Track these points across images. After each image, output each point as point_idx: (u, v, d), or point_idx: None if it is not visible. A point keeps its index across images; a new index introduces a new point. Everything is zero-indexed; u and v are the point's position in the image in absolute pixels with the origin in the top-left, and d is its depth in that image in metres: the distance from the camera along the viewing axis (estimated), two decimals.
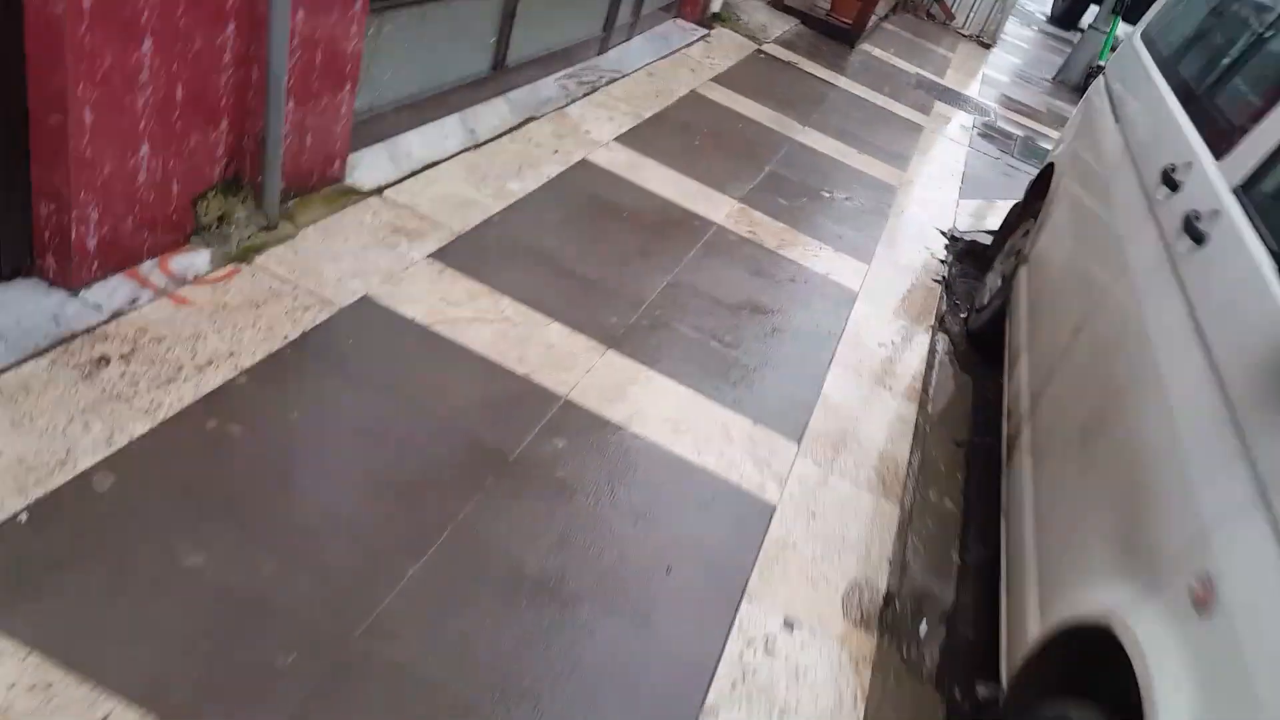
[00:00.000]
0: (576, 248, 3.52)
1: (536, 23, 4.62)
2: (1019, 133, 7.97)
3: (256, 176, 2.81)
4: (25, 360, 2.08)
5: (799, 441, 2.96)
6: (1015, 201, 4.55)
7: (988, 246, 4.83)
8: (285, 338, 2.47)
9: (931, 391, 3.60)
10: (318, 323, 2.58)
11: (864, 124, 6.31)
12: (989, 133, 7.53)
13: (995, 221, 5.05)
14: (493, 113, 4.29)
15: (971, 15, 11.19)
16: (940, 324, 4.14)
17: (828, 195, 4.96)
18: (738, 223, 4.23)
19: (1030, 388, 2.87)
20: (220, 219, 2.70)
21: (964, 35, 11.11)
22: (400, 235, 3.14)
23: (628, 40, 5.86)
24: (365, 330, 2.65)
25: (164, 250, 2.56)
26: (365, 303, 2.75)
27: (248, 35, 2.58)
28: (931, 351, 3.88)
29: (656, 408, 2.83)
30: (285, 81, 2.69)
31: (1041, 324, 3.07)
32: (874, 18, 8.42)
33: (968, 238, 5.13)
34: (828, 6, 8.26)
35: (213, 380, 2.24)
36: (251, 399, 2.25)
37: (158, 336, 2.30)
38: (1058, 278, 3.13)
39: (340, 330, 2.60)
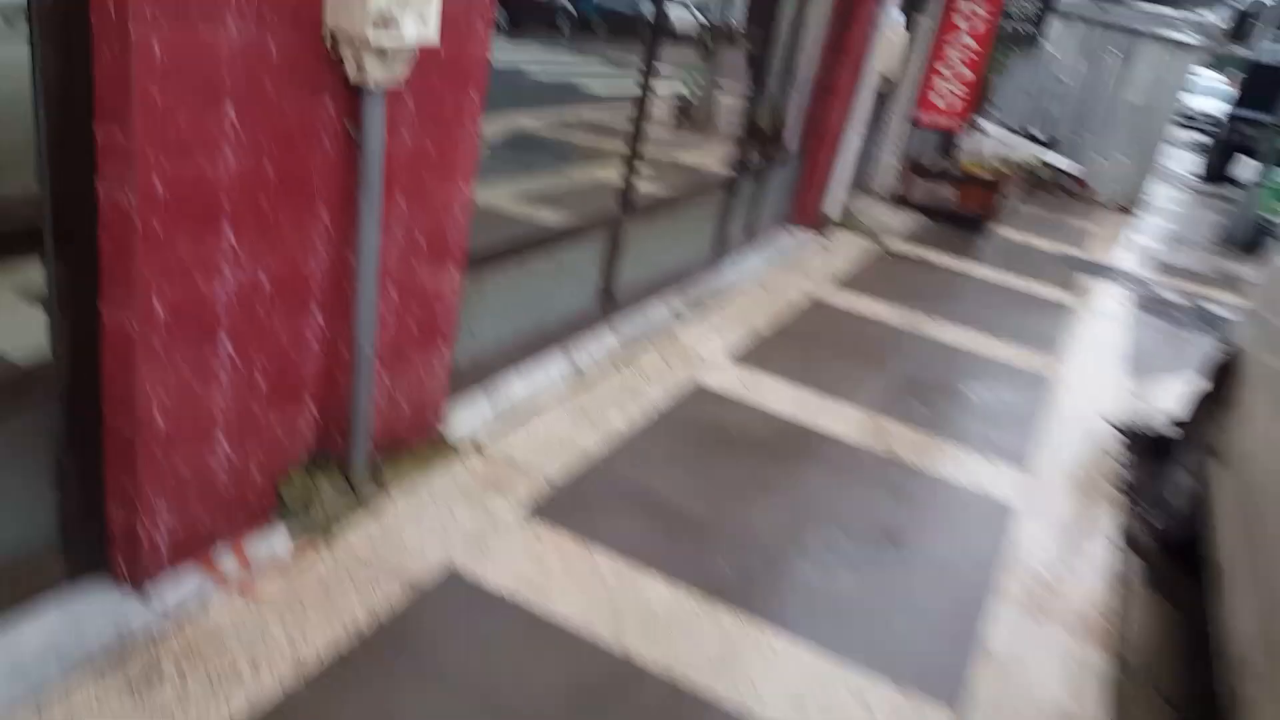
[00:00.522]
0: (685, 486, 3.25)
1: (643, 253, 4.64)
2: (1186, 301, 7.29)
3: (344, 449, 2.75)
4: (76, 675, 1.97)
5: (956, 708, 2.43)
6: (1201, 383, 3.97)
7: (1174, 439, 4.20)
8: (357, 632, 2.27)
9: (1121, 628, 2.97)
10: (394, 610, 2.38)
11: (1003, 310, 5.91)
12: (1151, 304, 6.92)
13: (1177, 406, 4.44)
14: (598, 344, 4.23)
15: (1109, 184, 10.76)
16: (1125, 539, 3.53)
17: (970, 394, 4.53)
18: (868, 436, 3.87)
19: (1259, 622, 2.27)
20: (303, 497, 2.62)
21: (1104, 205, 10.65)
22: (493, 490, 2.98)
23: (742, 255, 5.83)
24: (445, 611, 2.43)
25: (241, 533, 2.48)
26: (448, 578, 2.54)
27: (334, 317, 2.59)
28: (1117, 575, 3.27)
29: (777, 678, 2.41)
30: (374, 358, 2.67)
31: (1263, 540, 2.48)
32: (1006, 201, 8.18)
33: (1146, 429, 4.51)
34: (954, 198, 8.10)
35: (271, 691, 2.05)
36: (311, 716, 2.02)
37: (219, 639, 2.16)
38: (1271, 481, 2.57)
39: (418, 616, 2.39)
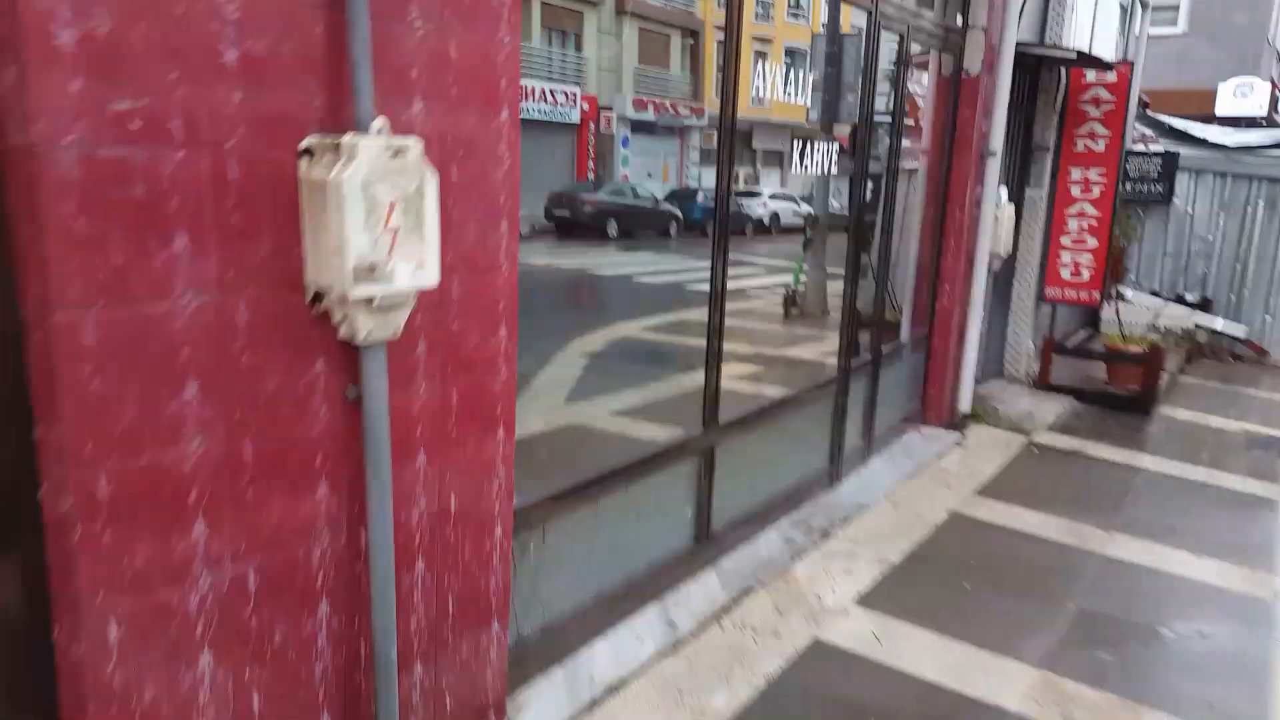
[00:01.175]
0: None
1: (743, 473, 4.08)
2: None
3: None
4: None
5: None
6: None
7: None
8: None
9: None
10: None
11: (1190, 513, 4.92)
12: None
13: None
14: (699, 592, 3.59)
15: None
16: None
17: (1170, 634, 3.59)
18: (1041, 705, 3.00)
19: None
20: None
21: None
22: None
23: (863, 464, 5.15)
24: None
25: None
26: None
27: (347, 610, 2.14)
28: None
29: None
30: (394, 658, 2.17)
31: None
32: (1165, 375, 7.23)
33: None
34: (1105, 376, 7.23)
35: None
36: None
37: None
38: None
39: None
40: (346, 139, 1.86)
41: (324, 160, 1.89)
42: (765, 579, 3.78)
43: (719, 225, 3.57)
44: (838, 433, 4.80)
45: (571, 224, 21.92)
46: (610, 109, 27.63)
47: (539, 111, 25.93)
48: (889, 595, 3.70)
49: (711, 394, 3.74)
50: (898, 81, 4.81)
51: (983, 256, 5.83)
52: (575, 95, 27.19)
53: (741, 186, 26.63)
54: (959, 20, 5.43)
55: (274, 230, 1.88)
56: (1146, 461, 5.71)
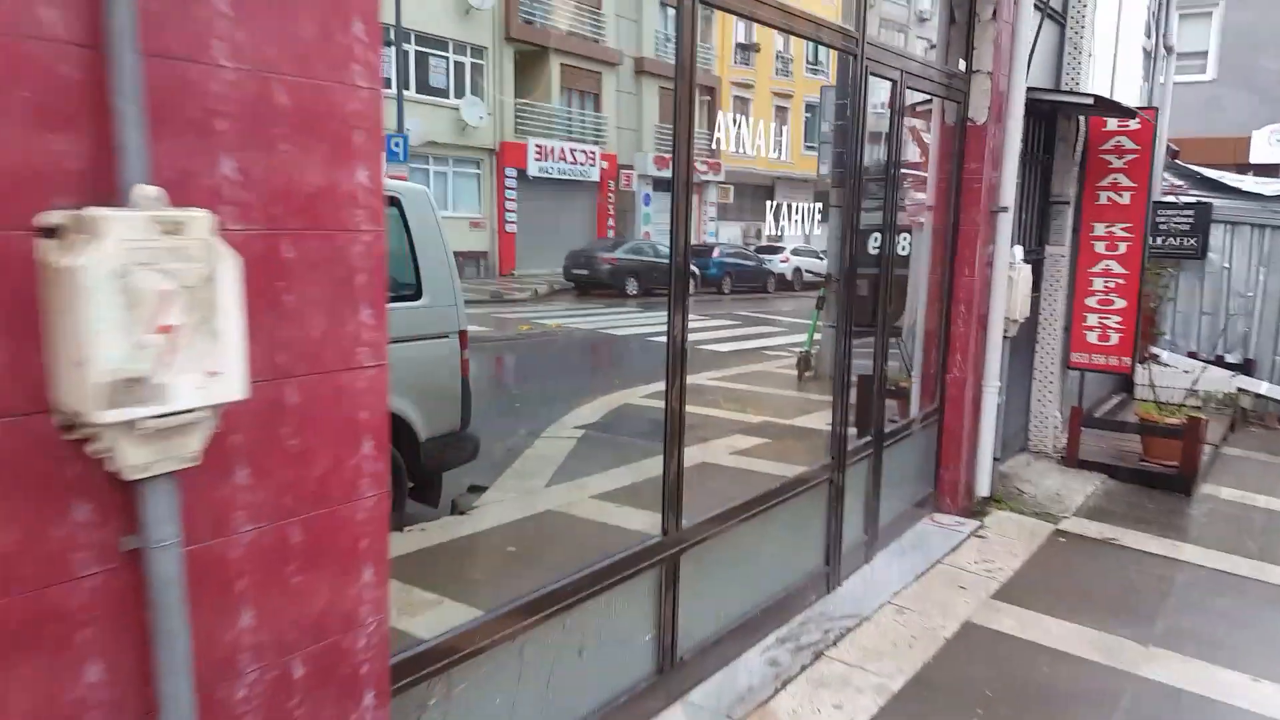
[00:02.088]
0: None
1: (714, 583, 3.51)
2: None
3: None
4: None
5: None
6: None
7: None
8: None
9: None
10: None
11: (1240, 619, 4.25)
12: None
13: None
14: None
15: None
16: None
17: None
18: None
19: None
20: None
21: None
22: None
23: (867, 562, 4.56)
24: None
25: None
26: None
27: None
28: None
29: None
30: None
31: None
32: (1207, 448, 6.58)
33: None
34: (1140, 450, 6.59)
35: None
36: None
37: None
38: None
39: None
40: (90, 213, 1.39)
41: (74, 241, 1.42)
42: (741, 716, 3.19)
43: (675, 285, 3.06)
44: (834, 528, 4.21)
45: (591, 282, 21.63)
46: (631, 167, 27.58)
47: (559, 171, 25.92)
48: None
49: (672, 490, 3.20)
50: (891, 132, 4.33)
51: (997, 322, 5.28)
52: (595, 154, 27.18)
53: (763, 242, 26.35)
54: (961, 65, 4.98)
55: (6, 334, 1.41)
56: (1188, 553, 5.05)
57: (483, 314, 16.46)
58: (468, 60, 21.83)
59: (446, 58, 22.70)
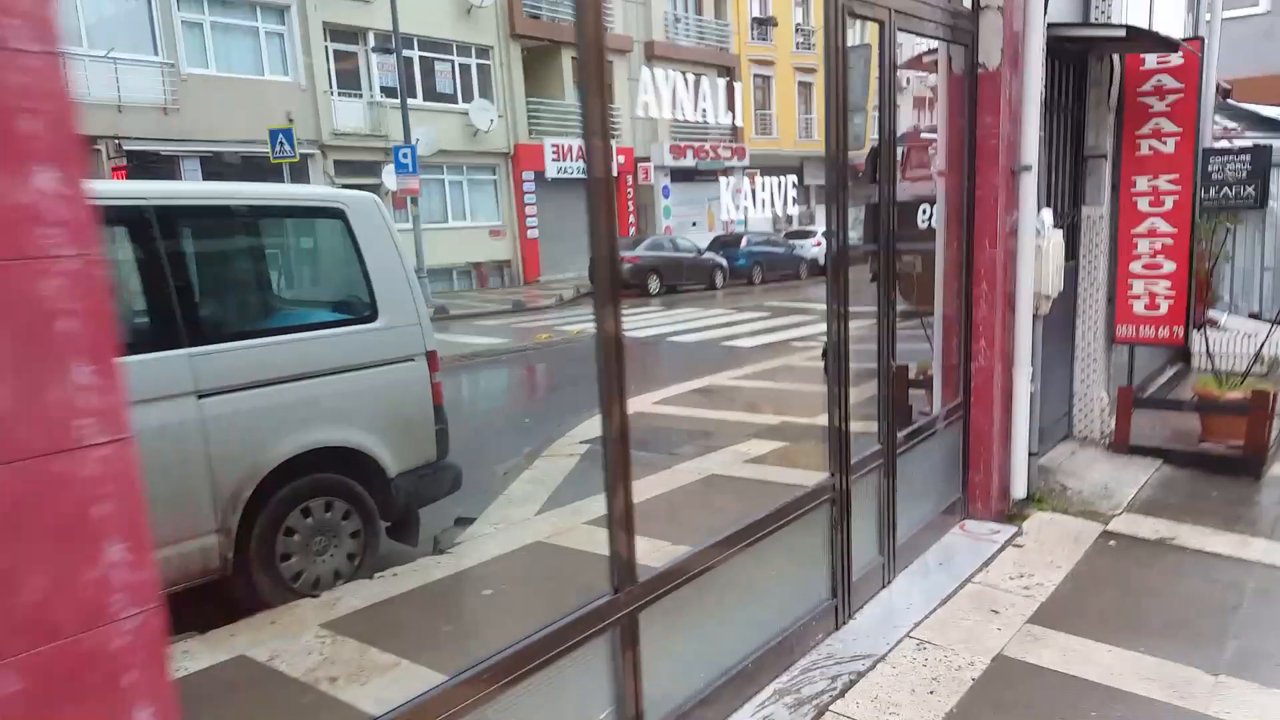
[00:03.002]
0: None
1: (691, 637, 2.96)
2: None
3: None
4: None
5: None
6: None
7: None
8: None
9: None
10: None
11: None
12: None
13: None
14: None
15: None
16: None
17: None
18: None
19: None
20: None
21: None
22: None
23: (884, 587, 3.98)
24: None
25: None
26: None
27: None
28: None
29: None
30: None
31: None
32: (1277, 424, 5.83)
33: None
34: (1199, 431, 5.88)
35: None
36: None
37: None
38: None
39: None
40: None
41: None
42: None
43: (606, 281, 2.51)
44: (841, 552, 3.63)
45: None
46: (648, 160, 26.97)
47: (579, 170, 25.40)
48: None
49: (620, 540, 2.65)
50: (882, 86, 3.72)
51: (1025, 300, 4.64)
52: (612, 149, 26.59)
53: (794, 225, 25.56)
54: (968, 2, 4.34)
55: None
56: (1259, 550, 4.36)
57: (502, 325, 16.03)
58: (473, 62, 21.44)
59: (451, 61, 22.30)
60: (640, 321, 16.25)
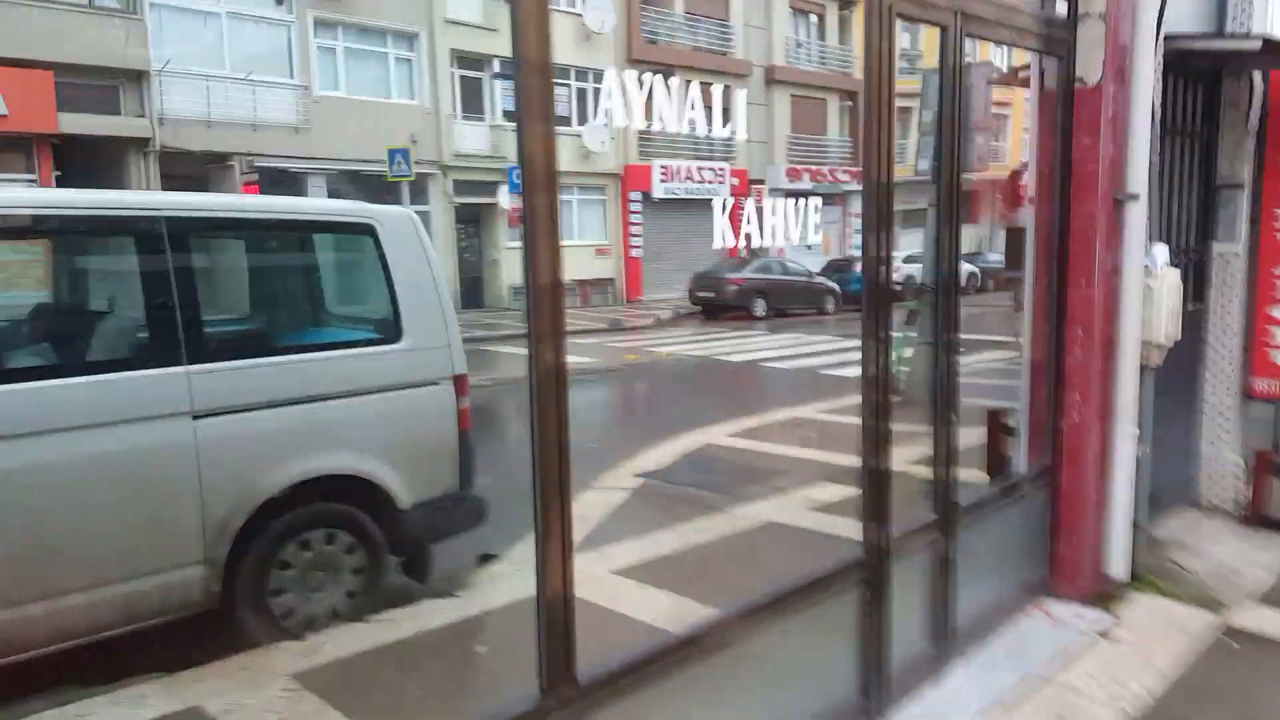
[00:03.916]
0: None
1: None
2: None
3: None
4: None
5: None
6: None
7: None
8: None
9: None
10: None
11: None
12: None
13: None
14: None
15: None
16: None
17: None
18: None
19: None
20: None
21: None
22: None
23: (935, 681, 3.36)
24: None
25: None
26: None
27: None
28: None
29: None
30: None
31: None
32: None
33: None
34: None
35: None
36: None
37: None
38: None
39: None
40: None
41: None
42: None
43: (535, 317, 2.09)
44: (874, 640, 3.06)
45: (717, 305, 20.60)
46: (763, 181, 26.42)
47: (685, 191, 25.13)
48: None
49: (558, 628, 2.19)
50: (943, 98, 3.17)
51: (1129, 348, 3.94)
52: (724, 171, 26.22)
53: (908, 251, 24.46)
54: (1063, 7, 3.73)
55: None
56: None
57: (595, 344, 15.80)
58: (590, 86, 21.53)
59: (568, 85, 22.50)
60: (739, 345, 15.71)
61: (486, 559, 4.90)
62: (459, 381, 4.55)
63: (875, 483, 3.01)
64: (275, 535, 3.93)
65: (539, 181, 2.01)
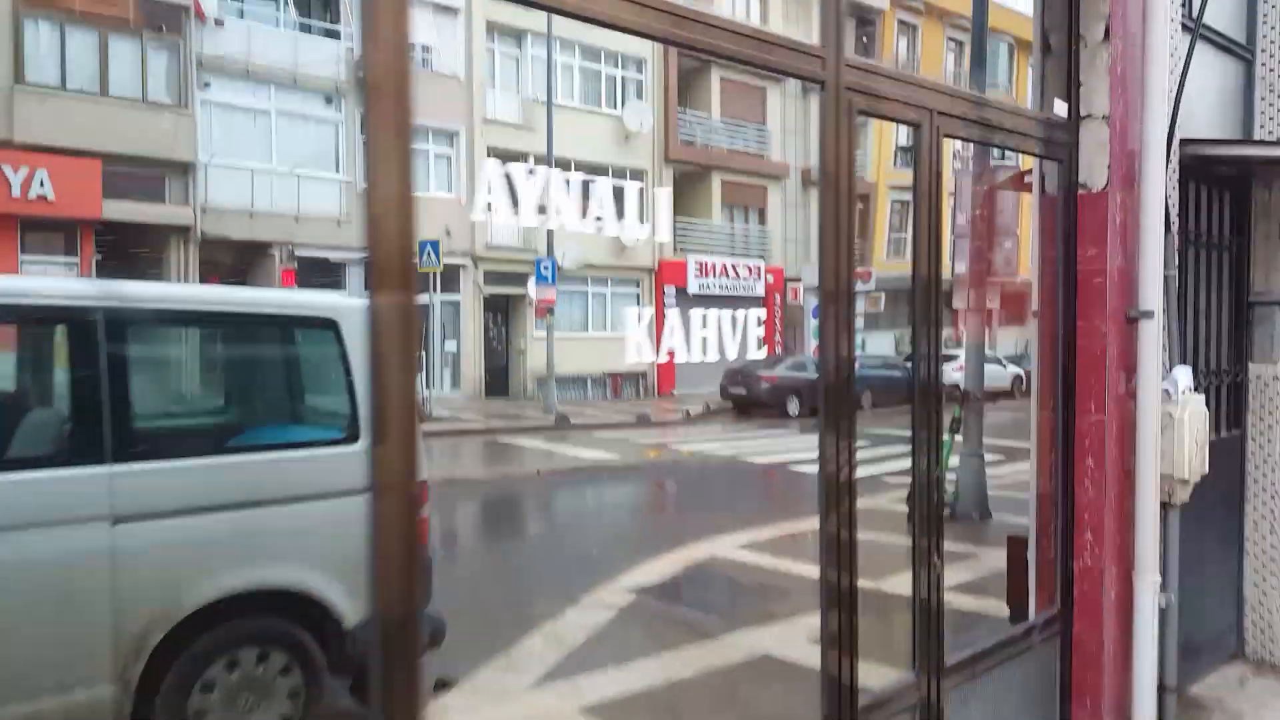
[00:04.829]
0: None
1: None
2: None
3: None
4: None
5: None
6: None
7: None
8: None
9: None
10: None
11: None
12: None
13: None
14: None
15: None
16: None
17: None
18: None
19: None
20: None
21: None
22: None
23: None
24: None
25: None
26: None
27: None
28: None
29: None
30: None
31: None
32: None
33: None
34: None
35: None
36: None
37: None
38: None
39: None
40: None
41: None
42: None
43: (383, 423, 1.76)
44: None
45: (749, 402, 20.13)
46: (798, 280, 26.26)
47: (720, 287, 25.05)
48: None
49: None
50: (919, 199, 2.88)
51: (1147, 485, 3.50)
52: (760, 269, 26.15)
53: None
54: (1062, 109, 3.46)
55: None
56: None
57: (620, 439, 15.43)
58: (626, 184, 21.84)
59: (607, 182, 22.90)
60: (768, 445, 15.20)
61: (442, 686, 4.49)
62: (418, 489, 4.24)
63: (839, 629, 2.59)
64: (199, 653, 3.60)
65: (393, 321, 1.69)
